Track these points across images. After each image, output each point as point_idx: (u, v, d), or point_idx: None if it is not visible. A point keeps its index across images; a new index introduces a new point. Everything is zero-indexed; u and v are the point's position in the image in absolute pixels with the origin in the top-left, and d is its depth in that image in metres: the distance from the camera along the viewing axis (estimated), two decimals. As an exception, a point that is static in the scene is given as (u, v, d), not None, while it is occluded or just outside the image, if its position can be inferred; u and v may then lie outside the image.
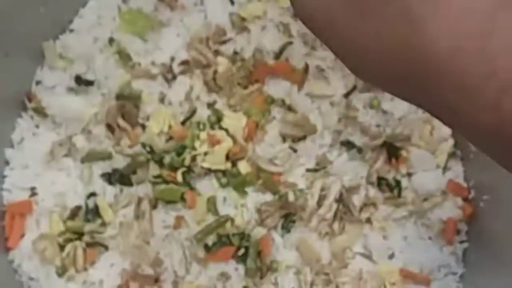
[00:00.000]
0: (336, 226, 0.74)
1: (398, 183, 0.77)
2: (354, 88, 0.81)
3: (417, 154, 0.78)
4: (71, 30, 0.80)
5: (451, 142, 0.79)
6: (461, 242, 0.77)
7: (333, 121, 0.78)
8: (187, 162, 0.73)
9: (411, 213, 0.77)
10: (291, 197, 0.74)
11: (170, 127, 0.75)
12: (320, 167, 0.76)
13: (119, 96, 0.78)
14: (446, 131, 0.80)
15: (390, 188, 0.77)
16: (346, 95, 0.80)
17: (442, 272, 0.76)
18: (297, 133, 0.77)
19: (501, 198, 0.72)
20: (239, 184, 0.74)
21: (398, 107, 0.79)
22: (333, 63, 0.81)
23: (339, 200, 0.75)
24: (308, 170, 0.77)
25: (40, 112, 0.77)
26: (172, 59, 0.80)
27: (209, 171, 0.74)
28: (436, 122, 0.80)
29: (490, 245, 0.74)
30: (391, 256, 0.75)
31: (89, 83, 0.78)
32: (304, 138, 0.78)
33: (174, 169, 0.73)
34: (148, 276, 0.70)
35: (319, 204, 0.74)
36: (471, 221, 0.78)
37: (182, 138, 0.74)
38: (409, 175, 0.78)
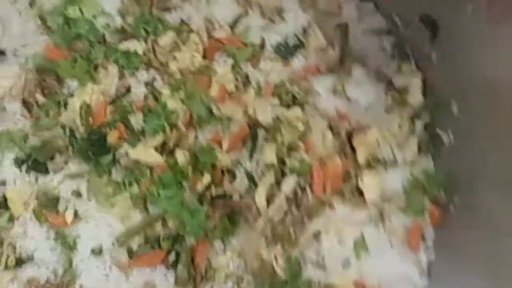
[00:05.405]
0: (285, 229, 0.64)
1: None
2: (317, 70, 0.71)
3: (382, 148, 0.68)
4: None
5: (422, 136, 0.69)
6: (427, 250, 0.68)
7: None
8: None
9: (372, 215, 0.67)
10: (235, 195, 0.64)
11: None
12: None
13: (39, 68, 0.66)
14: (418, 124, 0.69)
15: (350, 187, 0.67)
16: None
17: (402, 285, 0.66)
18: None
19: (473, 200, 0.62)
20: (175, 176, 0.64)
21: (365, 93, 0.68)
22: (294, 39, 0.70)
23: (292, 199, 0.65)
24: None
25: None
26: (107, 26, 0.69)
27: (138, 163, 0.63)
28: (406, 114, 0.69)
29: (457, 257, 0.64)
30: (346, 264, 0.65)
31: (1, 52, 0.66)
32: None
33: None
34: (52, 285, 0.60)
35: (268, 202, 0.64)
36: (439, 228, 0.68)
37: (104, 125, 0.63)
38: (370, 169, 0.67)
